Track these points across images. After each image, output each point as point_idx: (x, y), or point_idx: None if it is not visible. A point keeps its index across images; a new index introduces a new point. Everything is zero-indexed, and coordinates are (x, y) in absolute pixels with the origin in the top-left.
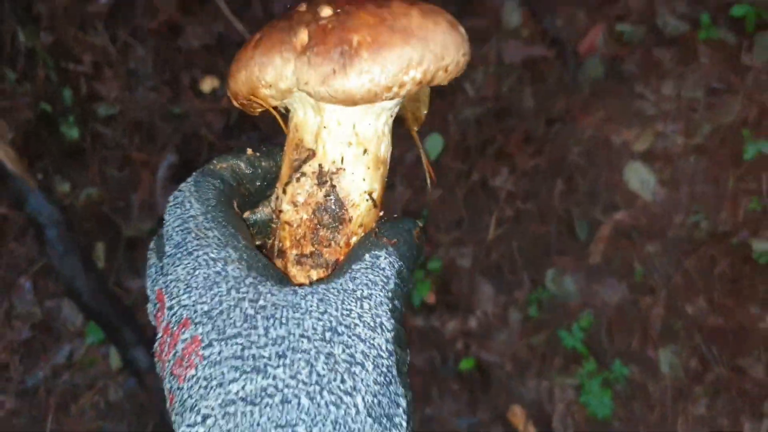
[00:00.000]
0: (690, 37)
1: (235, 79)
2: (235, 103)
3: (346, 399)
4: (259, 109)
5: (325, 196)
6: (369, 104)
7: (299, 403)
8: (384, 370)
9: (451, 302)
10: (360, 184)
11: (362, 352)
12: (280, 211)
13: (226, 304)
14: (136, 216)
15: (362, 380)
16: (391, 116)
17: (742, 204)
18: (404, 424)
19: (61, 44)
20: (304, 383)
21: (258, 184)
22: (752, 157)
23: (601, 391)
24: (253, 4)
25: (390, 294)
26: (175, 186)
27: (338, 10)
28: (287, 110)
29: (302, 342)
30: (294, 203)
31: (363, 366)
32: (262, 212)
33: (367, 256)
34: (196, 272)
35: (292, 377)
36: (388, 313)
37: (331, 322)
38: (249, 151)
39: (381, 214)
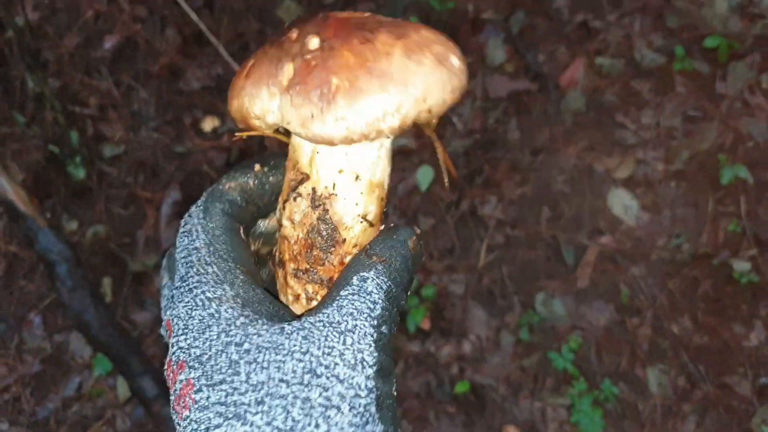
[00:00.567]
0: (666, 68)
1: (231, 107)
2: (240, 129)
3: None
4: (267, 131)
5: (318, 219)
6: None
7: None
8: (361, 410)
9: (445, 327)
10: (353, 209)
11: (339, 393)
12: (281, 225)
13: (215, 349)
14: (141, 251)
15: (336, 424)
16: (388, 141)
17: (722, 226)
18: None
19: (67, 88)
20: (279, 430)
21: (266, 198)
22: (729, 181)
23: (592, 410)
24: (250, 47)
25: (376, 322)
26: (180, 222)
27: (324, 43)
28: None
29: (281, 387)
30: (291, 220)
31: (339, 409)
32: (271, 223)
33: (354, 279)
34: (193, 313)
35: (268, 424)
36: (372, 345)
37: (311, 363)
38: (257, 166)
39: (382, 228)
